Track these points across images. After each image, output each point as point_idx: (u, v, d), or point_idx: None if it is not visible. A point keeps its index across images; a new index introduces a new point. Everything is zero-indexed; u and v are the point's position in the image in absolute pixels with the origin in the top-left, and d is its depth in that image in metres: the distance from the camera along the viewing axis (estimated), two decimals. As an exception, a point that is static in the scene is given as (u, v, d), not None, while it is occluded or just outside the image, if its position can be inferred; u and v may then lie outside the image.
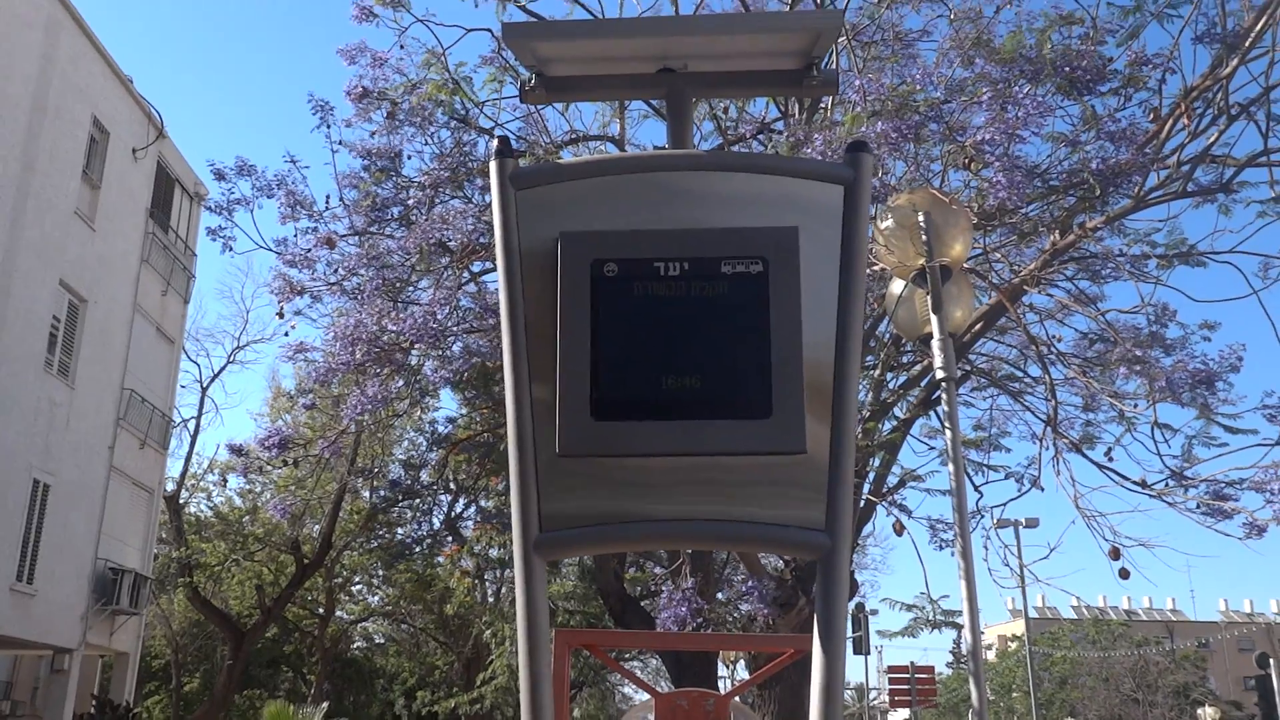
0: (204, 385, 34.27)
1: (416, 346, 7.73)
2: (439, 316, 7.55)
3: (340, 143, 9.74)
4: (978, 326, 9.08)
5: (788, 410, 2.11)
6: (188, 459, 31.87)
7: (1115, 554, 7.93)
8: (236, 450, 10.40)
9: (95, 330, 23.05)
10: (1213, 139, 7.37)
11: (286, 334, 8.96)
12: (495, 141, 2.27)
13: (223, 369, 40.19)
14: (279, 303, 8.58)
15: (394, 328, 7.64)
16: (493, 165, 2.26)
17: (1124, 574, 7.88)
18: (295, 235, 9.32)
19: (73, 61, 21.62)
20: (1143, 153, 6.64)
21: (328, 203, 9.55)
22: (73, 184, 21.79)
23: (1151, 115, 7.08)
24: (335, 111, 9.97)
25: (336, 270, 8.66)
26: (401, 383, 8.27)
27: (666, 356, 2.13)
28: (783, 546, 2.17)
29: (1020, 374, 11.77)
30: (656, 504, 2.13)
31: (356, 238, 8.71)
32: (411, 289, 8.72)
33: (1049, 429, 8.83)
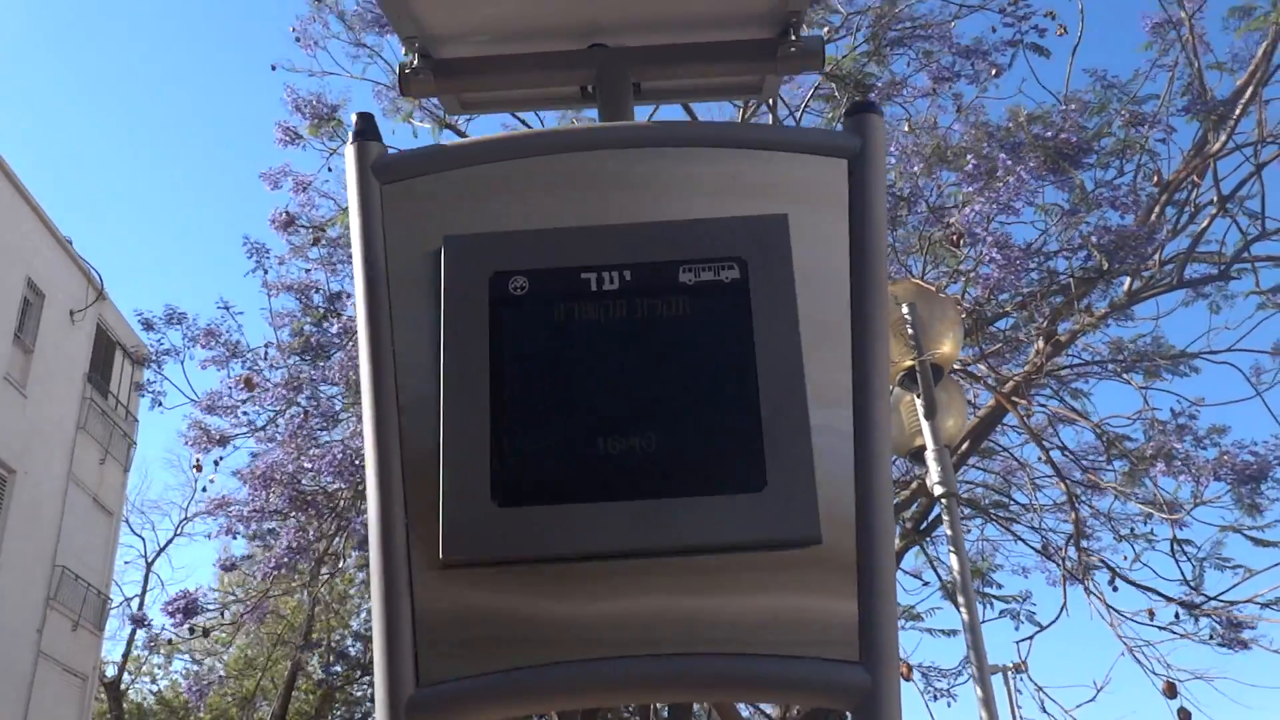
0: (149, 560, 32.65)
1: (340, 488, 6.95)
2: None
3: (277, 286, 9.17)
4: (964, 445, 8.42)
5: (791, 477, 1.40)
6: (130, 640, 29.98)
7: (1171, 691, 7.06)
8: (138, 621, 9.25)
9: (24, 502, 21.81)
10: (1204, 225, 6.95)
11: (204, 489, 8.10)
12: (355, 119, 1.60)
13: (169, 542, 38.48)
14: (194, 455, 7.79)
15: (310, 465, 6.86)
16: (349, 151, 1.59)
17: (1184, 715, 6.99)
18: (221, 382, 8.60)
19: (5, 221, 21.14)
20: (1149, 223, 6.18)
21: (265, 353, 8.90)
22: (3, 348, 20.99)
23: (1154, 179, 6.65)
24: (270, 253, 9.44)
25: (258, 412, 7.91)
26: (334, 533, 7.42)
27: (604, 407, 1.45)
28: (795, 692, 1.41)
29: (1007, 499, 11.07)
30: (596, 635, 1.38)
31: (281, 374, 8.00)
32: (335, 426, 7.98)
33: (1071, 548, 8.07)
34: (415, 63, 1.85)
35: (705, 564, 1.40)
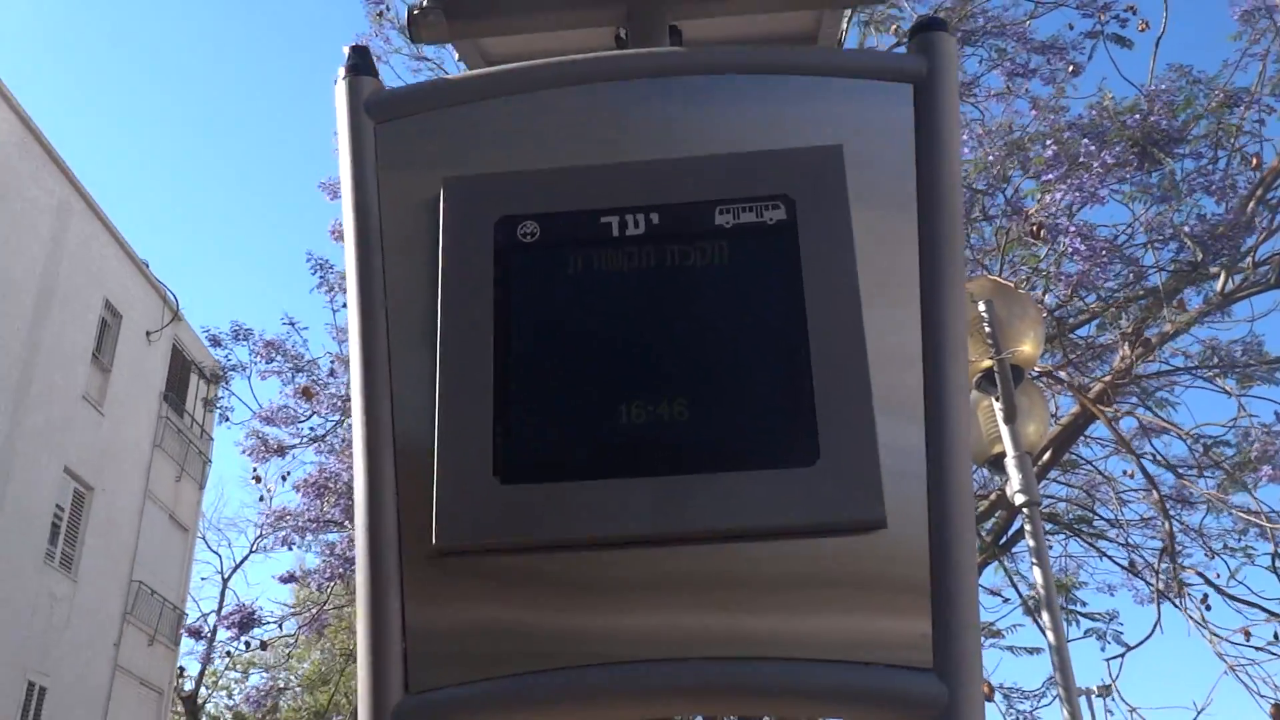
0: (225, 577, 33.18)
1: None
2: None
3: (338, 290, 9.14)
4: (1045, 456, 8.02)
5: (849, 449, 1.17)
6: (206, 654, 30.40)
7: (1279, 713, 6.58)
8: (195, 633, 9.23)
9: (101, 519, 22.27)
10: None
11: (261, 498, 8.03)
12: (347, 52, 1.42)
13: (244, 559, 39.14)
14: (253, 465, 7.75)
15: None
16: (340, 87, 1.41)
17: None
18: (280, 393, 8.58)
19: (84, 244, 21.67)
20: (1252, 206, 5.78)
21: (330, 367, 8.86)
22: (81, 368, 21.48)
23: (1254, 162, 6.24)
24: (334, 268, 9.42)
25: (319, 423, 7.84)
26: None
27: (627, 370, 1.25)
28: (856, 705, 1.17)
29: (1091, 514, 10.56)
30: (617, 633, 1.17)
31: (340, 385, 7.94)
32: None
33: (1166, 562, 7.62)
34: (426, 2, 1.67)
35: (746, 552, 1.19)
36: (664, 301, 1.27)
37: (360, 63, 1.40)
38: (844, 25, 1.95)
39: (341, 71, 1.41)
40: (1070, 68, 7.18)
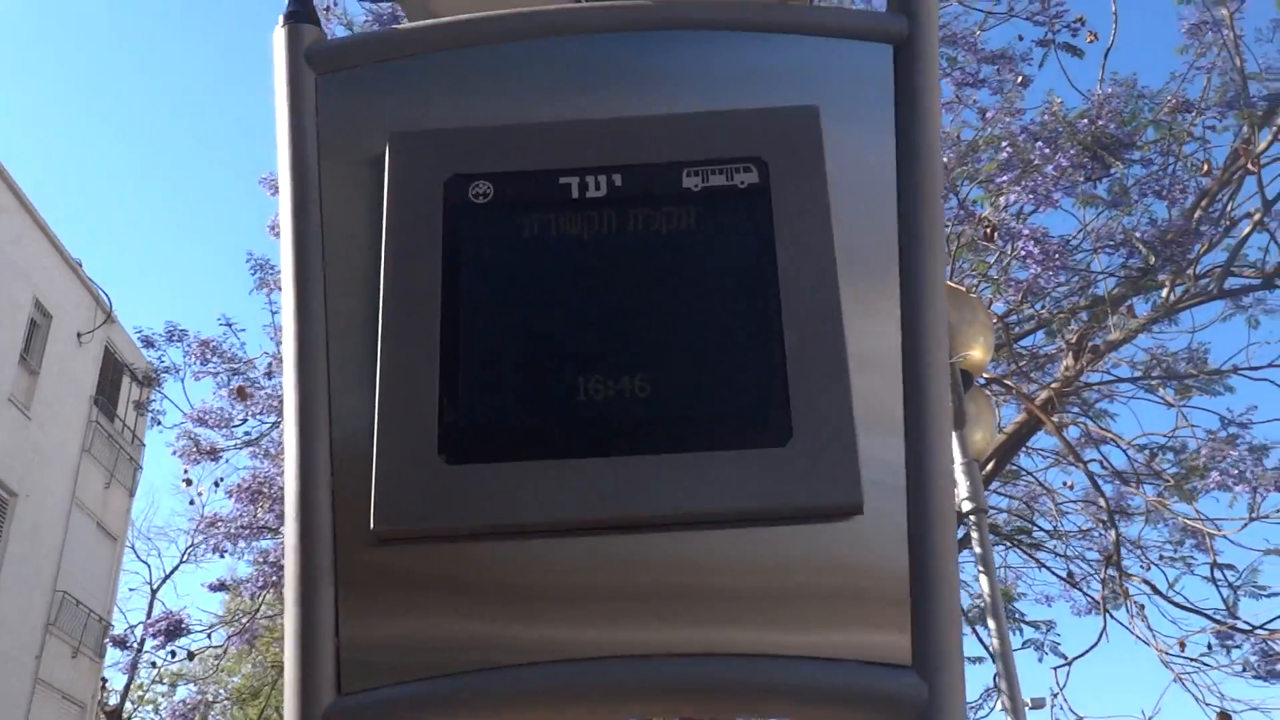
0: (154, 587, 32.37)
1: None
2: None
3: (275, 288, 8.94)
4: (989, 466, 8.06)
5: (824, 428, 1.10)
6: (133, 667, 29.62)
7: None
8: (119, 643, 8.90)
9: (26, 526, 21.59)
10: (1245, 233, 6.61)
11: (192, 502, 7.76)
12: (284, -1, 1.31)
13: (174, 569, 38.23)
14: (184, 468, 7.50)
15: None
16: (278, 34, 1.31)
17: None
18: (214, 394, 8.34)
19: (14, 242, 21.06)
20: (1199, 214, 5.84)
21: (267, 368, 8.64)
22: (8, 369, 20.85)
23: (1204, 169, 6.31)
24: (275, 268, 9.21)
25: (255, 426, 7.63)
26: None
27: (586, 341, 1.17)
28: (829, 705, 1.09)
29: (1030, 525, 10.67)
30: (572, 628, 1.08)
31: (277, 385, 7.74)
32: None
33: (1111, 571, 7.68)
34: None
35: (712, 540, 1.10)
36: (626, 269, 1.19)
37: (300, 9, 1.30)
38: None
39: (281, 19, 1.30)
40: (1019, 79, 7.24)
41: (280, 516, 6.77)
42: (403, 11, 1.58)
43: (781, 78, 1.28)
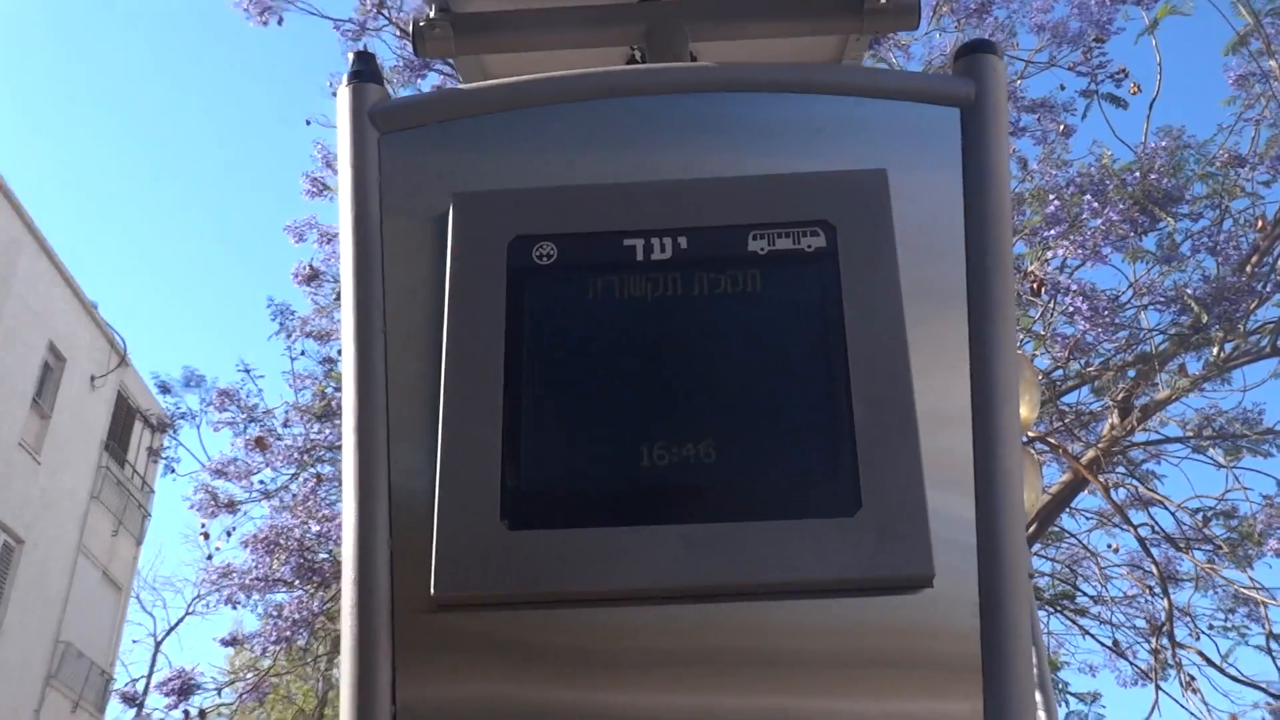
0: (158, 639, 32.35)
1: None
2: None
3: (299, 336, 9.04)
4: (1032, 528, 7.98)
5: (894, 497, 1.12)
6: (134, 722, 29.50)
7: None
8: (129, 699, 8.83)
9: (30, 574, 21.66)
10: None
11: (210, 556, 7.78)
12: (351, 58, 1.36)
13: (179, 621, 38.22)
14: (201, 522, 7.54)
15: (320, 529, 6.58)
16: (343, 94, 1.35)
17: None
18: (232, 444, 8.40)
19: (30, 284, 21.38)
20: (1251, 269, 5.81)
21: (284, 416, 8.71)
22: (20, 413, 21.05)
23: (1258, 224, 6.29)
24: (295, 314, 9.33)
25: (271, 477, 7.66)
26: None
27: (650, 407, 1.19)
28: None
29: (1074, 590, 10.52)
30: (633, 705, 1.09)
31: (297, 437, 7.78)
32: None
33: (1159, 640, 7.55)
34: (433, 14, 1.62)
35: (778, 612, 1.12)
36: (691, 333, 1.22)
37: (365, 69, 1.35)
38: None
39: (345, 78, 1.34)
40: (1061, 128, 7.28)
41: (296, 570, 6.77)
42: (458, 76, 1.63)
43: (848, 140, 1.31)
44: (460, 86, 1.39)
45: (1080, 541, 9.63)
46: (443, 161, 1.32)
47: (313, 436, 8.07)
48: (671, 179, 1.29)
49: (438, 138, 1.33)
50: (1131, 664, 9.36)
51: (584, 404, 1.19)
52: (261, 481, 8.02)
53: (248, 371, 9.15)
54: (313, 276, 8.16)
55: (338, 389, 8.94)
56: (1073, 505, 8.69)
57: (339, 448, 8.18)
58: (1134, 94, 7.46)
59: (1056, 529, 9.13)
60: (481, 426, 1.17)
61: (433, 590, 1.10)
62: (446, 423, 1.17)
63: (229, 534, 8.33)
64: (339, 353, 9.17)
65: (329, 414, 8.51)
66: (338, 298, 8.77)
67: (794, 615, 1.11)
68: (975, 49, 1.34)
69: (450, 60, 1.69)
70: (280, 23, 7.66)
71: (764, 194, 1.26)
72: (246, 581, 7.05)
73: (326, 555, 7.02)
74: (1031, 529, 8.37)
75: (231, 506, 7.69)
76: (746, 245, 1.24)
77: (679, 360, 1.20)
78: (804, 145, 1.31)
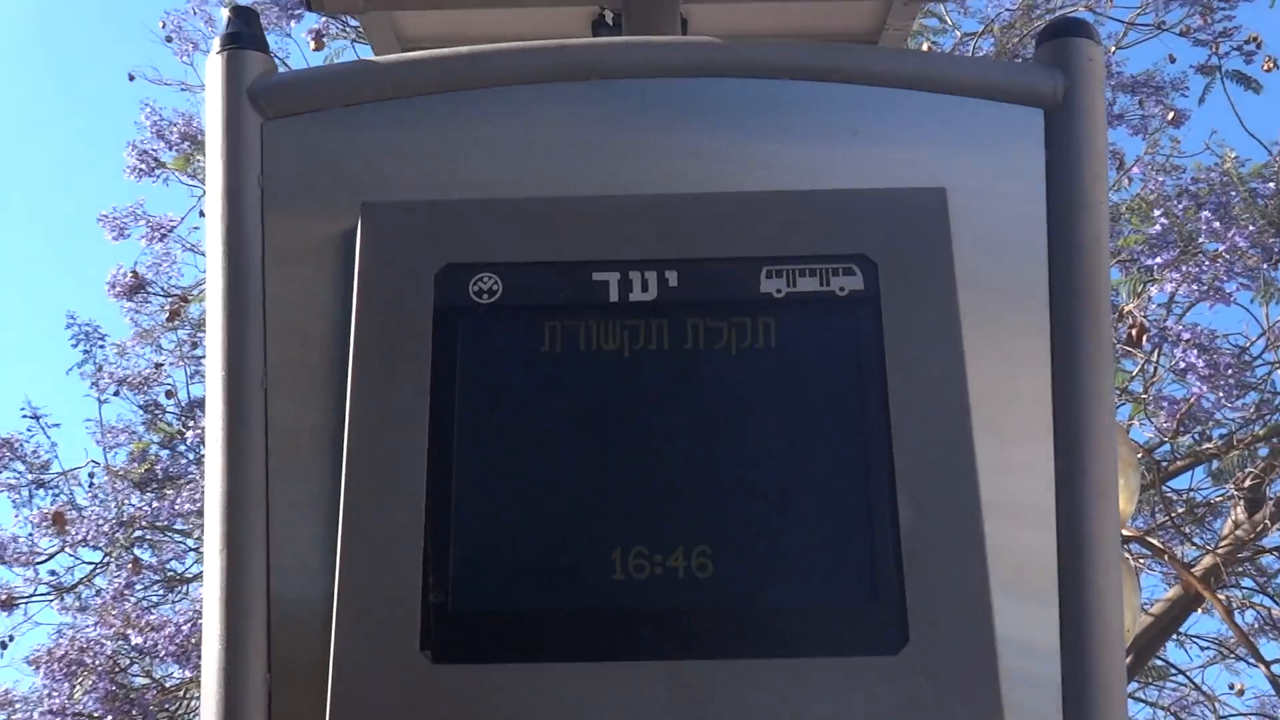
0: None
1: (185, 678, 6.62)
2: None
3: (116, 393, 9.01)
4: (1128, 659, 8.06)
5: (952, 634, 1.19)
6: None
7: None
8: None
9: None
10: None
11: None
12: (226, 15, 1.41)
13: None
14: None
15: (142, 642, 6.53)
16: (214, 63, 1.39)
17: None
18: (15, 518, 8.34)
19: None
20: None
21: (89, 480, 8.67)
22: None
23: None
24: (107, 339, 9.31)
25: (70, 565, 7.63)
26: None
27: (625, 502, 1.25)
28: None
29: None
30: None
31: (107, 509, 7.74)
32: (183, 588, 7.67)
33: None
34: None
35: None
36: (682, 401, 1.27)
37: (244, 31, 1.39)
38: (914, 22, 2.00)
39: (217, 43, 1.38)
40: (1169, 115, 7.44)
41: (106, 699, 6.70)
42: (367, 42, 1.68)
43: (895, 147, 1.38)
44: (372, 59, 1.44)
45: (1191, 681, 9.71)
46: (348, 159, 1.37)
47: (129, 509, 8.00)
48: (658, 193, 1.35)
49: (342, 127, 1.38)
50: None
51: (536, 495, 1.24)
52: (53, 571, 7.96)
53: (36, 418, 9.10)
54: (137, 288, 8.14)
55: (166, 447, 8.90)
56: (1182, 631, 8.80)
57: (166, 528, 8.12)
58: (1268, 71, 7.66)
59: (1160, 662, 9.22)
60: (396, 522, 1.21)
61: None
62: (349, 514, 1.21)
63: (4, 645, 8.24)
64: (168, 396, 9.15)
65: (152, 480, 8.46)
66: (172, 317, 8.75)
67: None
68: (1064, 31, 1.41)
69: (354, 18, 1.73)
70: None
71: (782, 216, 1.32)
72: (34, 717, 6.96)
73: (149, 681, 6.94)
74: (1128, 661, 8.46)
75: (8, 604, 7.63)
76: (758, 285, 1.30)
77: (665, 438, 1.25)
78: (836, 152, 1.37)
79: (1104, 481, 1.27)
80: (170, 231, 8.29)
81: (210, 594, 1.22)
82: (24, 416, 9.37)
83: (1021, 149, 1.37)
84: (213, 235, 1.33)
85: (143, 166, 8.28)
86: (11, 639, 8.22)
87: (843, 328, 1.28)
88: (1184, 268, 5.52)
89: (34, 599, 7.75)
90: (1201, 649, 9.66)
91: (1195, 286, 5.51)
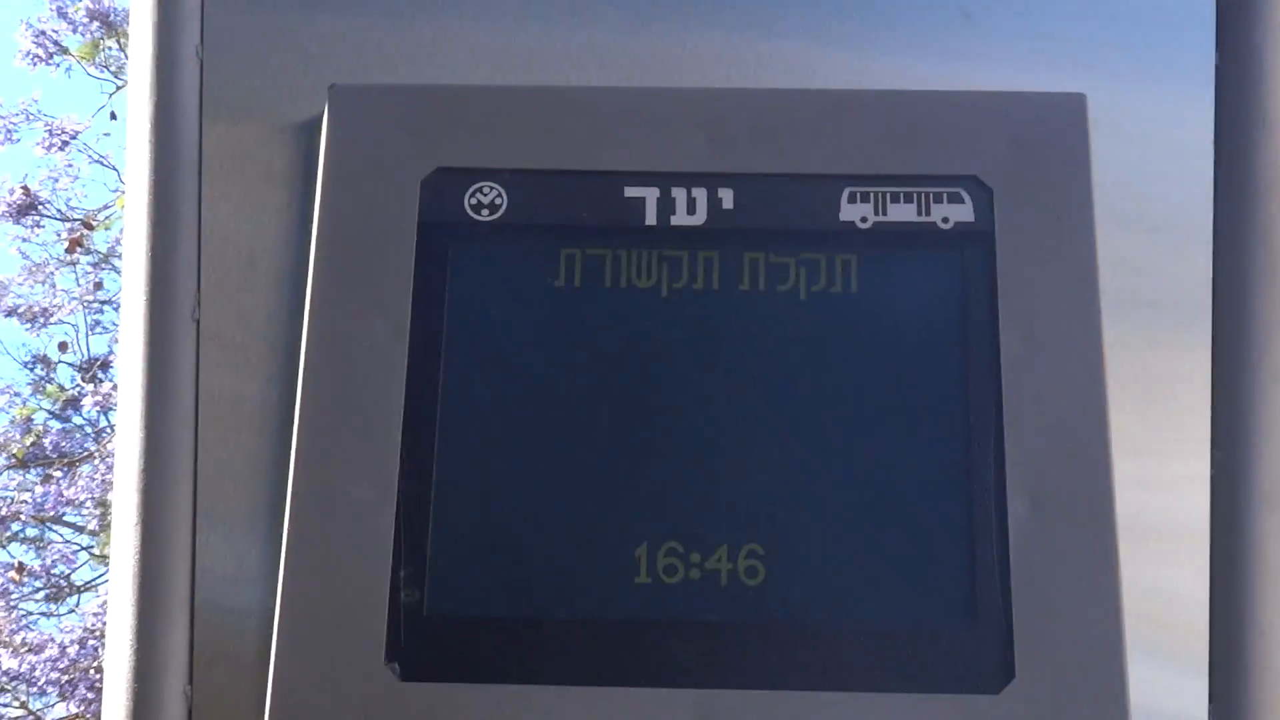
0: None
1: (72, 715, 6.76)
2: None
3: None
4: None
5: (1073, 666, 1.18)
6: None
7: None
8: None
9: None
10: None
11: None
12: None
13: None
14: None
15: (18, 668, 6.66)
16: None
17: None
18: None
19: None
20: None
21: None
22: None
23: None
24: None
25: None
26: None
27: (655, 484, 1.25)
28: None
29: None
30: None
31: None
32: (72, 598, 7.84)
33: None
34: None
35: None
36: (731, 358, 1.27)
37: None
38: None
39: None
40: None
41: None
42: None
43: (1023, 40, 1.40)
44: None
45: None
46: (312, 26, 1.40)
47: (6, 493, 8.11)
48: (708, 86, 1.37)
49: None
50: None
51: (540, 472, 1.24)
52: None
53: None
54: (27, 208, 8.25)
55: (57, 415, 9.00)
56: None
57: (54, 519, 8.21)
58: None
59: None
60: (360, 499, 1.22)
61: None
62: (299, 488, 1.22)
63: None
64: (61, 349, 9.25)
65: (40, 458, 8.56)
66: (73, 248, 8.82)
67: None
68: None
69: None
70: None
71: (872, 124, 1.33)
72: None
73: (24, 715, 7.06)
74: None
75: None
76: (837, 211, 1.30)
77: (709, 404, 1.26)
78: (940, 41, 1.39)
79: (1273, 482, 1.28)
80: (74, 138, 8.38)
81: (118, 586, 1.24)
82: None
83: (1185, 48, 1.38)
84: (136, 120, 1.35)
85: (39, 52, 8.37)
86: None
87: (945, 270, 1.28)
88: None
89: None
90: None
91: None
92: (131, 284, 1.31)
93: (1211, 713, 1.22)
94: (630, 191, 1.31)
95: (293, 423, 1.24)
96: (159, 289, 1.30)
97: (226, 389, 1.29)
